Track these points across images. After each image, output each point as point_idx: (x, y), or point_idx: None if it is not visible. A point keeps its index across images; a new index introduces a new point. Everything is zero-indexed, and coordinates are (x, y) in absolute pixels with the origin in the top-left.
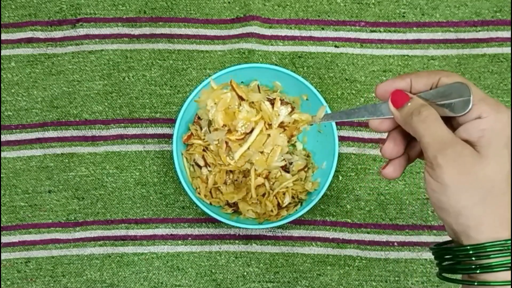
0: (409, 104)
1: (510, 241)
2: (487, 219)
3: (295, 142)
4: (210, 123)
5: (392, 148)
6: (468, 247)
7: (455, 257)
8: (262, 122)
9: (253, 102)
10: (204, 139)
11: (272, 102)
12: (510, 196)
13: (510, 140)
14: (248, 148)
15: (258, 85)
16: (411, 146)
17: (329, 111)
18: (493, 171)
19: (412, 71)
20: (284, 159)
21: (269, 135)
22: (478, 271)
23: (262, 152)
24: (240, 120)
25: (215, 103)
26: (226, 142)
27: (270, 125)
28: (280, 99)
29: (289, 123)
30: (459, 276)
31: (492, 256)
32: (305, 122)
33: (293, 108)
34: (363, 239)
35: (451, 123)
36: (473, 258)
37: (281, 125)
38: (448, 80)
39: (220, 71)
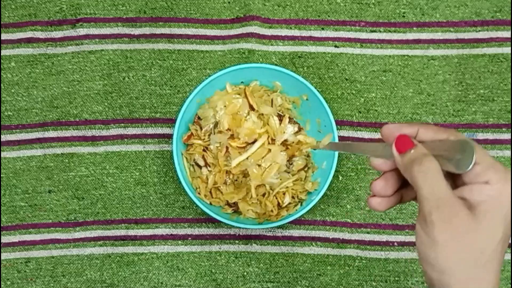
0: (412, 151)
1: None
2: (471, 284)
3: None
4: (216, 124)
5: (381, 187)
6: None
7: None
8: (266, 135)
9: (262, 114)
10: (204, 139)
11: (280, 118)
12: (498, 263)
13: (509, 212)
14: (247, 158)
15: (272, 100)
16: (408, 189)
17: (336, 139)
18: (485, 238)
19: (421, 122)
20: (279, 178)
21: (270, 150)
22: None
23: (259, 165)
24: (245, 129)
25: (224, 106)
26: (227, 147)
27: (273, 140)
28: (289, 117)
29: (293, 142)
30: None
31: None
32: (309, 146)
33: (300, 129)
34: (363, 239)
35: (453, 178)
36: None
37: (284, 143)
38: (455, 139)
39: (220, 71)
